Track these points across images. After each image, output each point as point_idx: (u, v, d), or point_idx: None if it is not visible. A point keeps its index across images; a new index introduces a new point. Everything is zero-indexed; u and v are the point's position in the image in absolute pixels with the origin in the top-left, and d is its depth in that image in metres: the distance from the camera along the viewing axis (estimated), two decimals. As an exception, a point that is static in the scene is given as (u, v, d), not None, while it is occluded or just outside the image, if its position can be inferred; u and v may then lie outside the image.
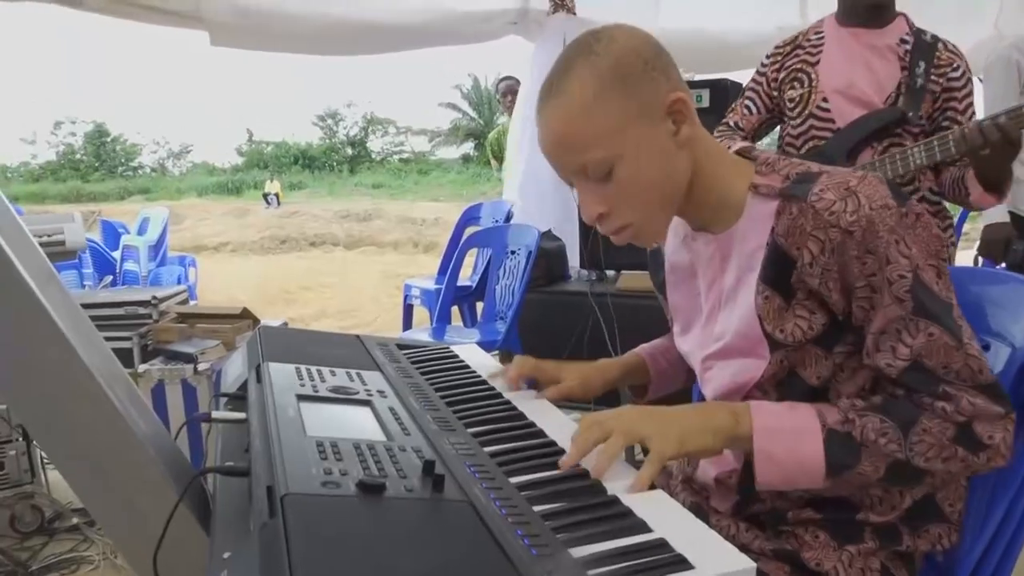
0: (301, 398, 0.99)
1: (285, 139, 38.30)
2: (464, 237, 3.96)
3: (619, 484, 0.83)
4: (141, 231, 6.42)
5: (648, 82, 0.91)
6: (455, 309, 3.96)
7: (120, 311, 2.64)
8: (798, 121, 1.91)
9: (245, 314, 2.59)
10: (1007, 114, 1.58)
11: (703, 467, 1.06)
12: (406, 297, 4.25)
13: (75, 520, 2.41)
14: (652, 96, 0.91)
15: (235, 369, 1.25)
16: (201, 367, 2.36)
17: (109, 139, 35.89)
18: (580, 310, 3.21)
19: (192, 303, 2.94)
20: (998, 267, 2.66)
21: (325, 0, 3.59)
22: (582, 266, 3.54)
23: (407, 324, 4.25)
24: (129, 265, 5.88)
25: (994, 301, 1.01)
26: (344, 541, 0.64)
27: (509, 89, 5.30)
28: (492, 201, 4.91)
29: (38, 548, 2.29)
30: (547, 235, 3.51)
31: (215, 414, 1.00)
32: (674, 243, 1.10)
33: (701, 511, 1.05)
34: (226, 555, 0.71)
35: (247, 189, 28.69)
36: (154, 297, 2.65)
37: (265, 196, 22.71)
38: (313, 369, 1.13)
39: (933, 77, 1.77)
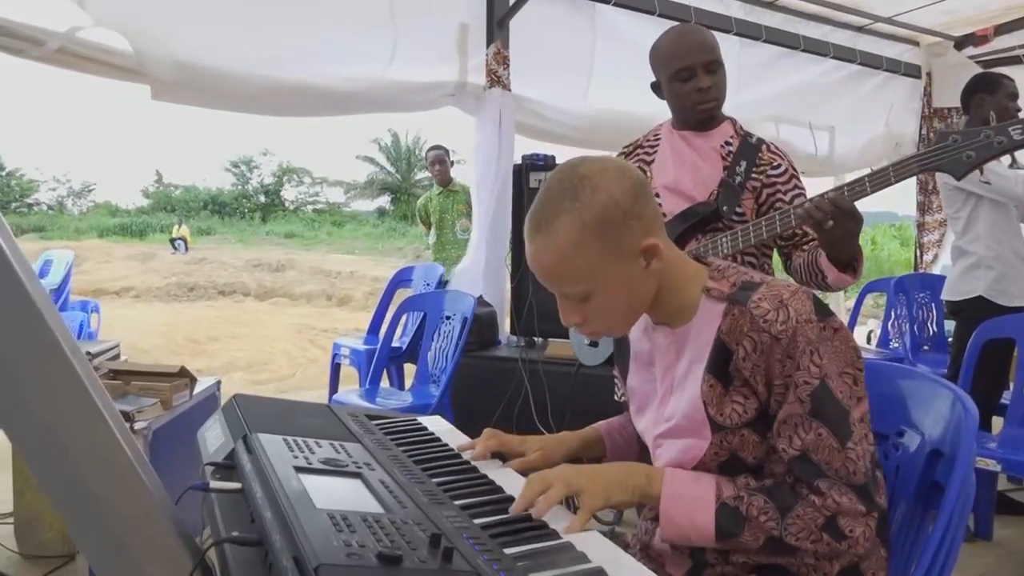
0: (299, 470, 1.05)
1: (195, 183, 37.50)
2: (398, 299, 4.03)
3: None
4: (43, 274, 6.14)
5: (626, 230, 1.06)
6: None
7: (49, 366, 2.56)
8: None
9: (183, 372, 2.57)
10: (835, 190, 1.69)
11: (660, 535, 1.17)
12: (335, 356, 4.27)
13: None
14: (629, 241, 1.07)
15: (215, 437, 1.30)
16: (138, 426, 2.33)
17: (4, 173, 34.23)
18: (511, 375, 3.32)
19: (123, 359, 2.89)
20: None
21: (268, 62, 3.64)
22: (512, 332, 3.66)
23: (334, 384, 4.25)
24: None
25: (912, 395, 1.19)
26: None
27: (437, 159, 5.50)
28: (424, 264, 5.02)
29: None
30: (479, 301, 3.63)
31: (212, 484, 1.06)
32: (637, 332, 1.25)
33: (657, 578, 1.17)
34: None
35: (152, 232, 27.80)
36: (88, 353, 2.60)
37: (172, 241, 22.07)
38: (300, 440, 1.19)
39: (754, 175, 1.94)
